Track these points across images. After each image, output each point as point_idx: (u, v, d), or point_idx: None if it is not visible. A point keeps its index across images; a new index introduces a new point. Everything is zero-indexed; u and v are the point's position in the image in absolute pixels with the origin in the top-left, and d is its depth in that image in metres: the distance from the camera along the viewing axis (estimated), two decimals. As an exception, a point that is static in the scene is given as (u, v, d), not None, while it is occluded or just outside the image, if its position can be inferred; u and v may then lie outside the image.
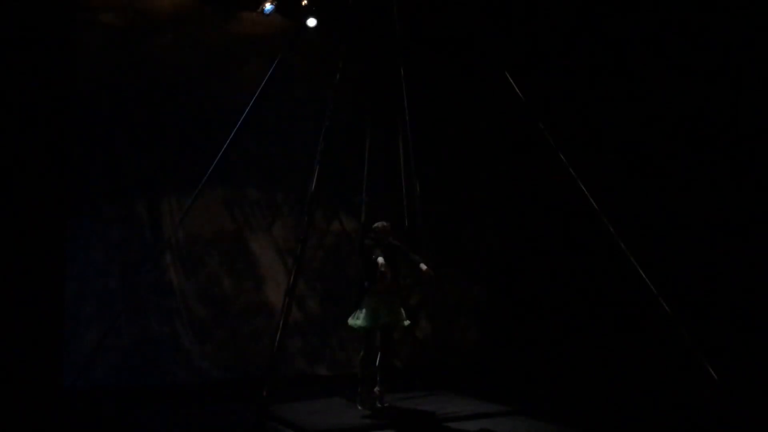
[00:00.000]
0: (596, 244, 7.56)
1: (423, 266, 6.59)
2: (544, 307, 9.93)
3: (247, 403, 6.21)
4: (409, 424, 6.65)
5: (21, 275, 6.80)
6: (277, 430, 6.20)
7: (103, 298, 7.69)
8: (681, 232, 8.45)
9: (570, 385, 8.21)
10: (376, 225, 6.90)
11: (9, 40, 6.89)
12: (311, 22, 8.24)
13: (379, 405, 6.79)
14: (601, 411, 6.97)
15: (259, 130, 8.42)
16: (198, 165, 7.63)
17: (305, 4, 8.16)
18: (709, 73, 8.18)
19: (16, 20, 6.93)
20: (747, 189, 7.91)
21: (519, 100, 7.29)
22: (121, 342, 7.68)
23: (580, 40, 9.33)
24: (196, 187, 7.45)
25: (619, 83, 9.13)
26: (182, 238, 8.19)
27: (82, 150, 7.67)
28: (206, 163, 7.47)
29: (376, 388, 6.81)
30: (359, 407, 6.85)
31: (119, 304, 7.51)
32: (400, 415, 6.77)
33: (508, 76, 7.33)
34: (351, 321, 6.82)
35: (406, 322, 6.97)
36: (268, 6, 8.25)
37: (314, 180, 6.38)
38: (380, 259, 6.52)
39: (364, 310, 6.70)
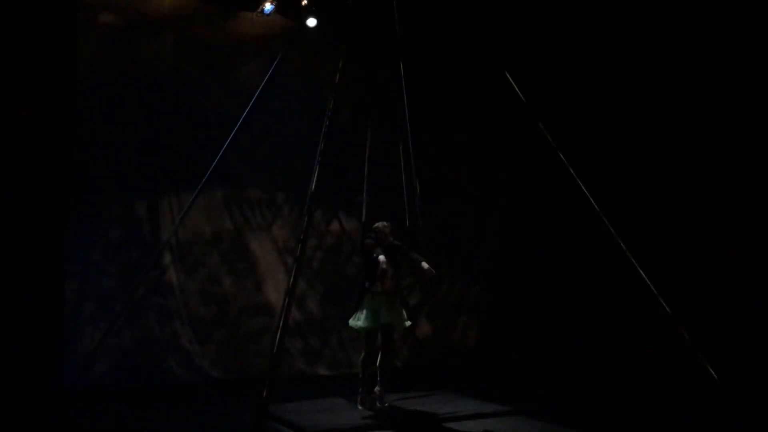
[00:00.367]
0: (596, 244, 7.56)
1: (424, 264, 6.57)
2: (544, 307, 9.94)
3: (247, 403, 6.21)
4: (409, 424, 6.65)
5: (21, 275, 6.78)
6: (277, 430, 6.19)
7: (103, 298, 7.70)
8: (681, 232, 8.46)
9: (570, 385, 8.20)
10: (376, 225, 6.90)
11: (9, 40, 6.87)
12: (311, 22, 8.23)
13: (379, 405, 6.79)
14: (601, 411, 6.96)
15: (259, 130, 8.43)
16: (198, 165, 7.65)
17: (305, 4, 8.16)
18: (709, 74, 8.19)
19: (16, 20, 6.91)
20: (747, 189, 7.92)
21: (519, 100, 7.30)
22: (121, 342, 7.70)
23: (580, 40, 9.34)
24: (196, 187, 7.47)
25: (619, 83, 9.14)
26: (182, 238, 8.20)
27: (82, 150, 7.66)
28: (206, 163, 7.49)
29: (377, 388, 6.82)
30: (359, 407, 6.85)
31: (119, 304, 7.50)
32: (400, 415, 6.77)
33: (508, 76, 7.34)
34: (352, 322, 6.82)
35: (408, 323, 6.97)
36: (268, 6, 8.25)
37: (314, 180, 6.38)
38: (381, 257, 6.56)
39: (364, 311, 6.70)
